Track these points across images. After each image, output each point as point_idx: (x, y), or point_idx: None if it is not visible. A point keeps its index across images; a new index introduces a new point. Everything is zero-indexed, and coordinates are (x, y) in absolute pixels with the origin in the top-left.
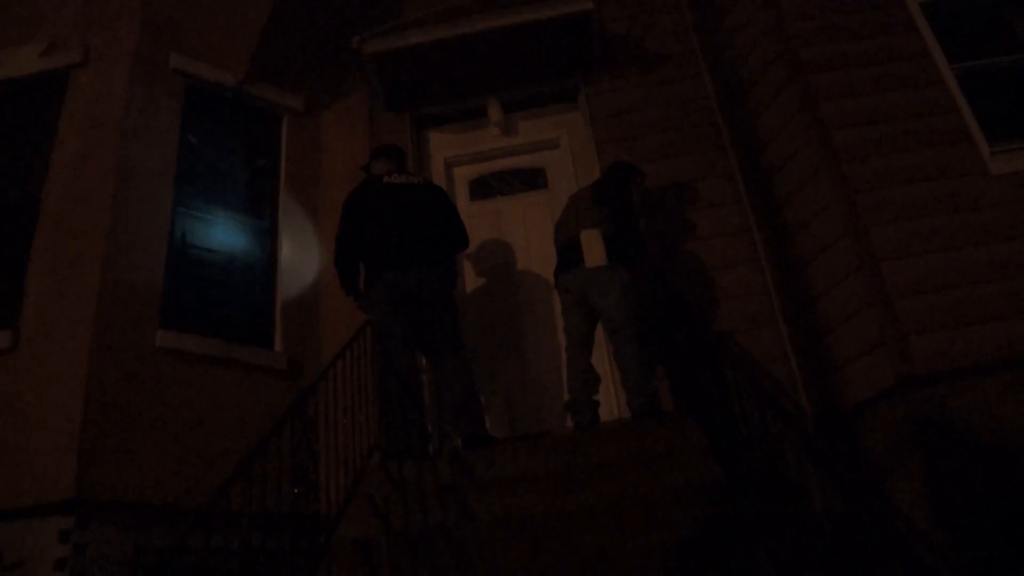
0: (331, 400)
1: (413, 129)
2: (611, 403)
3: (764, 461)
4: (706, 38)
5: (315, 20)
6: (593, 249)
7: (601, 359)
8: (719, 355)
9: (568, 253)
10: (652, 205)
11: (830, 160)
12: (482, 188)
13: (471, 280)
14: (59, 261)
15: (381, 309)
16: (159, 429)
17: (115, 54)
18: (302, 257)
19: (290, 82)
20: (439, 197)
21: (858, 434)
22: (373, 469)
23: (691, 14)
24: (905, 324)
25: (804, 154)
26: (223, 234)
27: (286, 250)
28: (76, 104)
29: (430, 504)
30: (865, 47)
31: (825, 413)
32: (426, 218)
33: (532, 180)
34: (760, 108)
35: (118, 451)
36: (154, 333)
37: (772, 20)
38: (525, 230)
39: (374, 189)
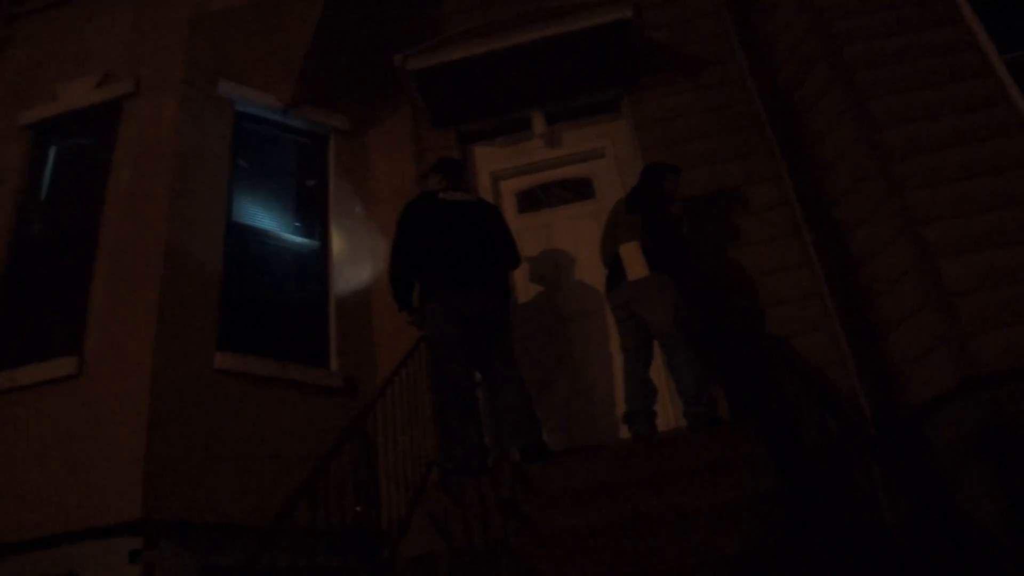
0: (388, 417)
1: (458, 144)
2: (667, 413)
3: (827, 469)
4: (748, 41)
5: (357, 41)
6: (633, 262)
7: (657, 370)
8: (776, 361)
9: (613, 269)
10: (700, 211)
11: (880, 158)
12: (529, 200)
13: (523, 292)
14: (119, 288)
15: (436, 326)
16: (220, 449)
17: (165, 83)
18: (353, 275)
19: (335, 103)
20: (493, 215)
21: (921, 438)
22: (432, 485)
23: (731, 18)
24: (966, 323)
25: (853, 153)
26: (276, 255)
27: (337, 269)
28: (130, 133)
29: (491, 519)
30: (911, 41)
31: (886, 417)
32: (480, 236)
33: (579, 190)
34: (806, 109)
35: (182, 472)
36: (213, 355)
37: (814, 20)
38: (574, 240)
39: (428, 205)
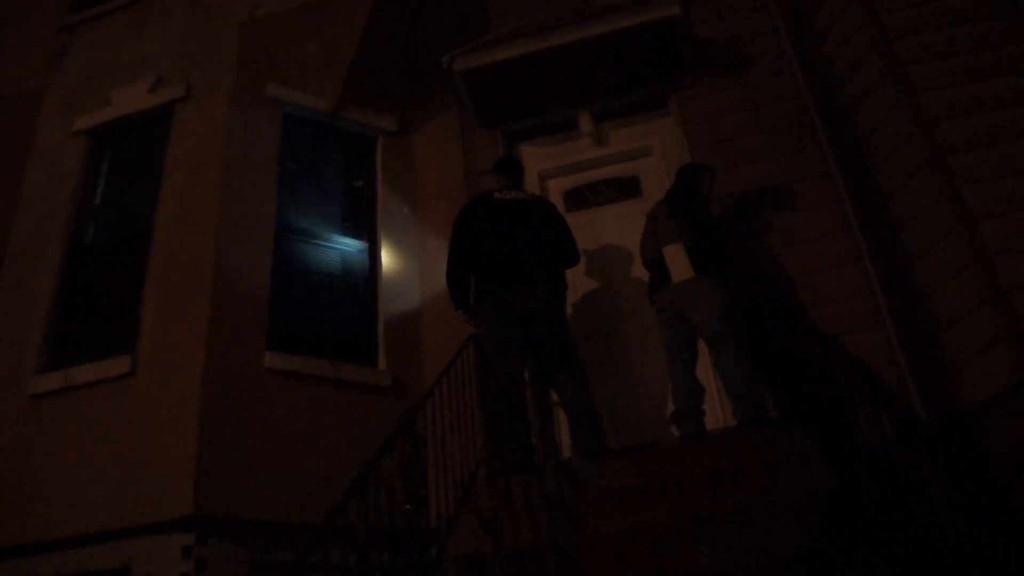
0: (437, 416)
1: (505, 144)
2: (716, 413)
3: (881, 469)
4: (796, 36)
5: (403, 42)
6: (677, 264)
7: (704, 368)
8: (827, 359)
9: (656, 271)
10: (748, 209)
11: (934, 153)
12: (577, 199)
13: (571, 290)
14: (171, 288)
15: (491, 325)
16: (270, 447)
17: (215, 87)
18: (402, 275)
19: (383, 104)
20: (551, 213)
21: (980, 438)
22: (481, 484)
23: (779, 13)
24: None
25: (906, 148)
26: (325, 256)
27: (386, 269)
28: (181, 136)
29: (539, 518)
30: (964, 32)
31: (940, 417)
32: (537, 235)
33: (626, 189)
34: (856, 104)
35: (233, 469)
36: (263, 354)
37: (865, 13)
38: (621, 239)
39: (485, 204)
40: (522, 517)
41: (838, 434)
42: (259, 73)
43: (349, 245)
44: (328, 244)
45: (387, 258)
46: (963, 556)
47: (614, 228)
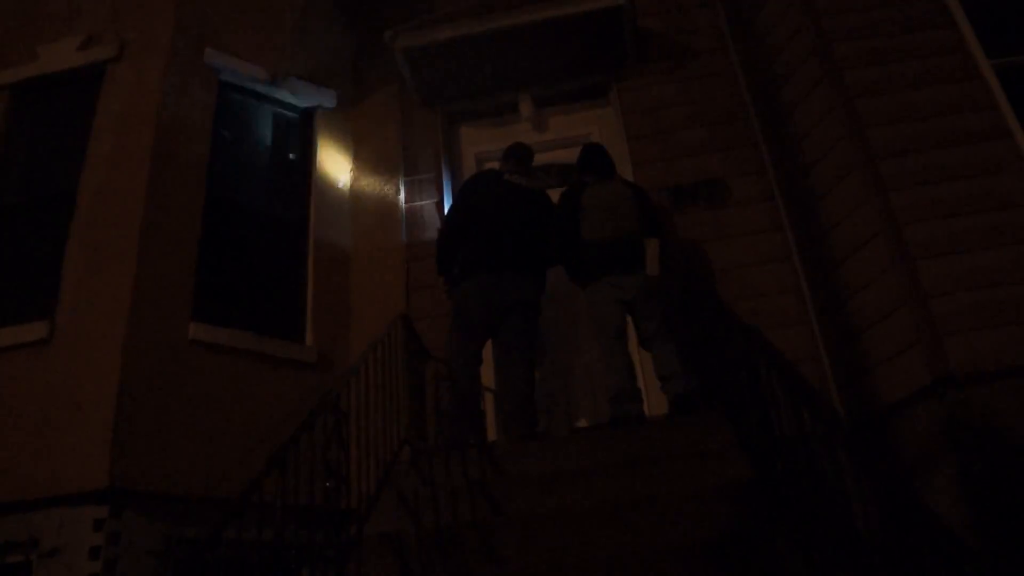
0: (362, 394)
1: (445, 124)
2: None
3: (798, 461)
4: (739, 34)
5: (347, 17)
6: (655, 259)
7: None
8: (752, 351)
9: (625, 251)
10: (683, 202)
11: (864, 158)
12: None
13: None
14: (94, 253)
15: (465, 305)
16: (191, 421)
17: (150, 49)
18: (334, 251)
19: (322, 78)
20: (547, 207)
21: (892, 435)
22: (404, 464)
23: (724, 10)
24: (941, 323)
25: (838, 151)
26: (255, 228)
27: (317, 244)
28: (111, 98)
29: (460, 499)
30: (901, 42)
31: (858, 413)
32: (528, 225)
33: (564, 175)
34: (793, 105)
35: (151, 442)
36: (187, 325)
37: (806, 17)
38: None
39: (489, 180)
40: (443, 498)
41: (760, 426)
42: (197, 38)
43: (281, 218)
44: (260, 216)
45: (319, 233)
46: (871, 542)
47: None
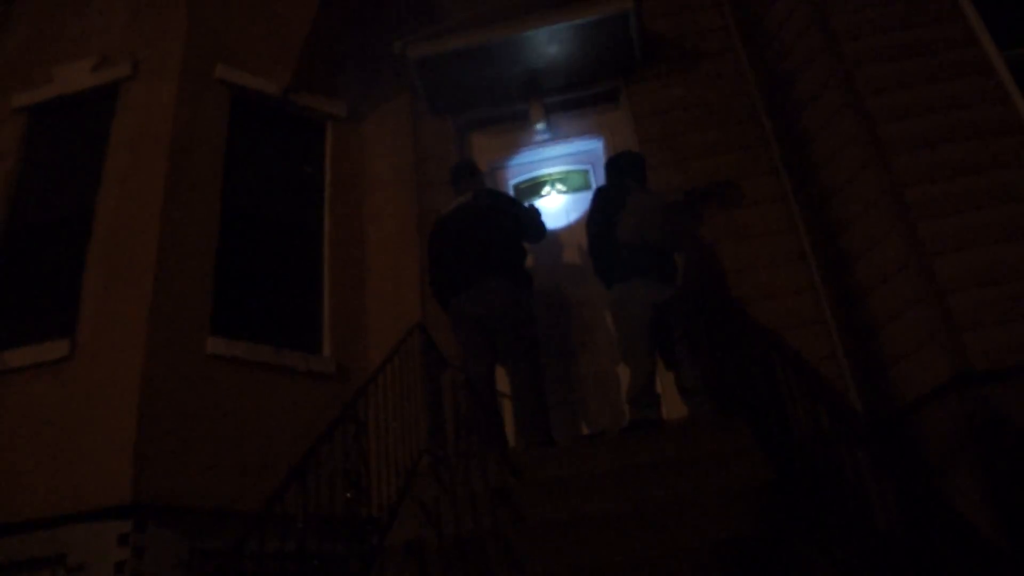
0: (381, 403)
1: (457, 133)
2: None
3: (818, 461)
4: (748, 35)
5: (357, 27)
6: (683, 273)
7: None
8: (769, 353)
9: (662, 260)
10: (696, 203)
11: (877, 154)
12: (527, 190)
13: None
14: (112, 271)
15: (456, 332)
16: (211, 434)
17: (163, 66)
18: (349, 261)
19: (333, 89)
20: (497, 205)
21: (911, 433)
22: (424, 473)
23: (732, 11)
24: (958, 319)
25: (850, 149)
26: (271, 240)
27: (333, 255)
28: (126, 117)
29: (481, 507)
30: (911, 37)
31: (877, 412)
32: (481, 234)
33: (577, 181)
34: (804, 104)
35: (172, 456)
36: (205, 340)
37: (815, 15)
38: (570, 231)
39: (437, 223)
40: (464, 506)
41: (779, 426)
42: (209, 54)
43: (296, 230)
44: (275, 228)
45: (334, 243)
46: (891, 540)
47: (563, 220)
